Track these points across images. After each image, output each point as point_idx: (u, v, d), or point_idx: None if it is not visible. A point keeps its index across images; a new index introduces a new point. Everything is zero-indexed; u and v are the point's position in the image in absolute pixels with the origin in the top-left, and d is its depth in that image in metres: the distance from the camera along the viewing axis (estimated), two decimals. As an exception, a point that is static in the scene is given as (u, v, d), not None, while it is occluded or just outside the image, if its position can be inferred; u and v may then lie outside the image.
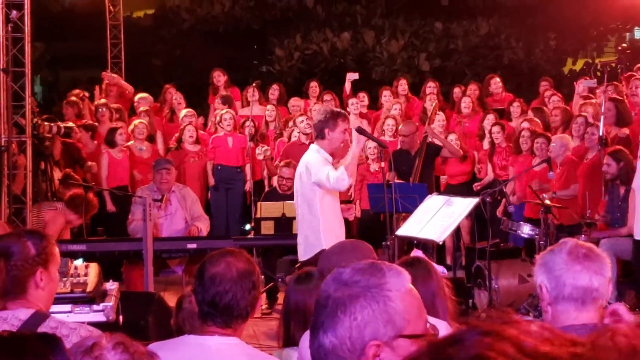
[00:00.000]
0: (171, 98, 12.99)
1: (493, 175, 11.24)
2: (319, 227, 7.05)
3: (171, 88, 13.19)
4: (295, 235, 9.22)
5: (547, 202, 8.87)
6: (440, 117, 11.58)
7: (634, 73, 11.97)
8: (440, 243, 7.62)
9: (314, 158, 7.08)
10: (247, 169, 11.57)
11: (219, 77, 13.16)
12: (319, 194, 7.08)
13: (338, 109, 7.69)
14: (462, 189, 10.89)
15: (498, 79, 13.14)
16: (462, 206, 7.38)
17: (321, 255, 3.74)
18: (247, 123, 11.53)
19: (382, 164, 7.76)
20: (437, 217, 7.56)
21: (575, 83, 12.59)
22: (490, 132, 11.32)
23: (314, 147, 7.23)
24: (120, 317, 5.10)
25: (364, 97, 12.84)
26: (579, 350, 1.02)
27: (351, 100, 12.40)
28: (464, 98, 12.46)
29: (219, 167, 11.66)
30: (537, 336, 1.05)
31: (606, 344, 1.04)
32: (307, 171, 7.08)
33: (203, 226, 9.37)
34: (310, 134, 10.97)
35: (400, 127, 10.87)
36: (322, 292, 2.06)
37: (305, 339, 3.32)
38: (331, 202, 7.21)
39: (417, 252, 4.21)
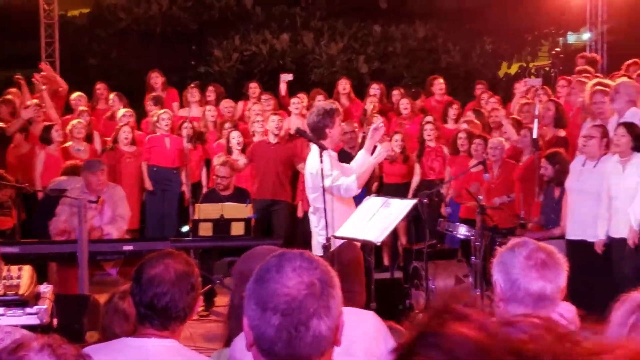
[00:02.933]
0: (102, 95, 12.91)
1: (420, 177, 11.26)
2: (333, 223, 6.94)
3: (101, 84, 13.06)
4: (234, 236, 9.23)
5: (483, 203, 8.96)
6: (378, 119, 11.61)
7: (567, 77, 12.19)
8: (379, 244, 7.65)
9: (325, 163, 6.94)
10: (184, 171, 11.49)
11: (157, 79, 13.06)
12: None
13: (330, 105, 7.67)
14: (397, 189, 10.92)
15: (441, 81, 13.19)
16: (400, 207, 7.41)
17: (240, 260, 3.72)
18: (185, 124, 11.44)
19: (321, 166, 7.76)
20: (375, 218, 7.58)
21: (518, 82, 12.76)
22: (422, 130, 11.39)
23: (316, 148, 7.12)
24: (55, 320, 5.02)
25: (303, 98, 12.83)
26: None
27: (293, 100, 12.39)
28: (402, 100, 12.52)
29: (155, 169, 11.52)
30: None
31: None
32: (318, 176, 6.94)
33: (114, 229, 9.19)
34: (278, 135, 10.99)
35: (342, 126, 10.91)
36: (300, 283, 1.99)
37: (239, 340, 3.30)
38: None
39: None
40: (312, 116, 7.26)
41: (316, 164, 7.03)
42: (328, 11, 18.24)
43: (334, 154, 7.31)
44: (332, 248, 6.92)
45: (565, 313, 3.08)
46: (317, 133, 7.11)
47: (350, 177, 7.05)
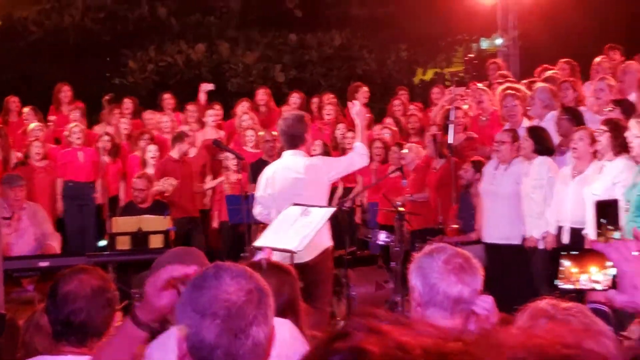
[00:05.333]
0: (15, 109, 12.72)
1: (342, 185, 11.30)
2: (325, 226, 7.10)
3: (13, 98, 12.86)
4: (152, 249, 9.12)
5: (401, 208, 9.05)
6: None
7: (479, 82, 12.41)
8: (298, 253, 7.66)
9: (314, 159, 7.34)
10: (99, 183, 11.32)
11: (67, 92, 12.92)
12: (326, 195, 7.32)
13: (301, 112, 7.92)
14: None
15: (366, 88, 13.19)
16: (319, 215, 7.46)
17: (156, 263, 3.70)
18: (103, 137, 11.33)
19: (240, 176, 7.77)
20: (295, 227, 7.58)
21: (436, 87, 12.96)
22: (342, 138, 11.45)
23: (296, 153, 7.31)
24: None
25: (219, 109, 12.76)
26: (457, 346, 1.05)
27: (209, 112, 12.33)
28: (326, 106, 12.57)
29: (70, 184, 11.34)
30: (418, 332, 1.08)
31: (487, 342, 1.07)
32: (312, 173, 7.21)
33: (56, 244, 9.14)
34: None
35: (261, 135, 11.06)
36: (240, 290, 2.04)
37: (157, 350, 3.26)
38: None
39: (263, 254, 4.22)
40: (288, 122, 7.40)
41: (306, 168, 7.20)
42: (243, 20, 18.20)
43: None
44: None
45: (485, 304, 3.14)
46: (296, 139, 7.30)
47: (358, 144, 7.45)
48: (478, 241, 8.78)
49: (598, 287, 2.23)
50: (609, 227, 2.49)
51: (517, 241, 8.36)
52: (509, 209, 8.42)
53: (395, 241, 8.87)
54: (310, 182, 7.28)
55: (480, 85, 11.42)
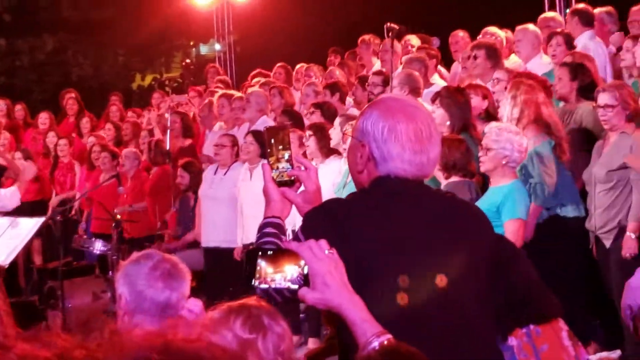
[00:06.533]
0: None
1: (56, 193, 10.96)
2: None
3: None
4: None
5: (118, 216, 8.90)
6: (4, 136, 11.15)
7: (198, 87, 12.50)
8: (7, 266, 7.31)
9: None
10: None
11: None
12: None
13: None
14: (32, 208, 10.53)
15: (72, 95, 13.01)
16: (29, 226, 7.18)
17: None
18: None
19: None
20: (2, 239, 7.25)
21: (165, 96, 12.92)
22: (55, 147, 11.13)
23: None
24: None
25: None
26: (82, 353, 1.07)
27: None
28: (41, 115, 12.28)
29: None
30: (43, 344, 1.10)
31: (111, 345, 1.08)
32: None
33: None
34: None
35: None
36: None
37: None
38: None
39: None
40: None
41: None
42: (-55, 25, 17.19)
43: None
44: None
45: (194, 308, 3.18)
46: None
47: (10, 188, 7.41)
48: (197, 245, 8.79)
49: (292, 286, 2.25)
50: (280, 147, 2.68)
51: (235, 244, 8.42)
52: (228, 213, 8.49)
53: (112, 250, 8.69)
54: None
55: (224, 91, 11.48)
